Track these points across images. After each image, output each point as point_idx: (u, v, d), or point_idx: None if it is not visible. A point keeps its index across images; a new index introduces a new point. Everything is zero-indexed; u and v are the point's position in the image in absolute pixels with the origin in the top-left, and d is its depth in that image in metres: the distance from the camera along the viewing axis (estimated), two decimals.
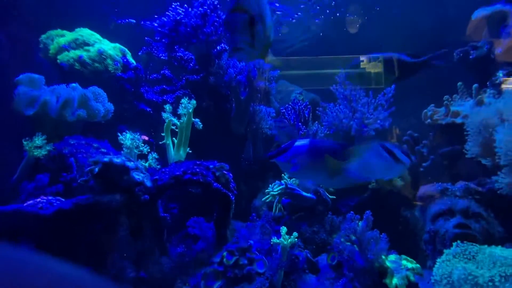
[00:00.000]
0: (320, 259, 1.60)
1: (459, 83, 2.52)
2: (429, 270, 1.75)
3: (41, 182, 1.42)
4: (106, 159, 1.28)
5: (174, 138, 1.96)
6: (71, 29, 2.54)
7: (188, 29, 2.24)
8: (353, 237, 1.30)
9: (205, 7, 2.27)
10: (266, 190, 1.96)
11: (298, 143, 1.19)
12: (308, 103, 2.91)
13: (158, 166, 1.78)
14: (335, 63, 4.71)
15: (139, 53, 2.93)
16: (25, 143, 1.50)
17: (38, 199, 1.32)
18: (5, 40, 2.24)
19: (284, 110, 2.84)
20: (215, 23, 2.32)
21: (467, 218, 1.58)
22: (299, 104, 2.84)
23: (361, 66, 4.99)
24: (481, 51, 2.44)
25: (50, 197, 1.35)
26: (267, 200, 1.93)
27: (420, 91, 3.51)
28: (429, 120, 2.56)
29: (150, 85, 2.81)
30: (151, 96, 2.68)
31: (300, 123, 2.69)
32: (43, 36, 2.28)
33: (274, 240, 1.42)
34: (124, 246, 1.32)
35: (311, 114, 2.96)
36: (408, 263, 1.28)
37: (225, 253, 1.33)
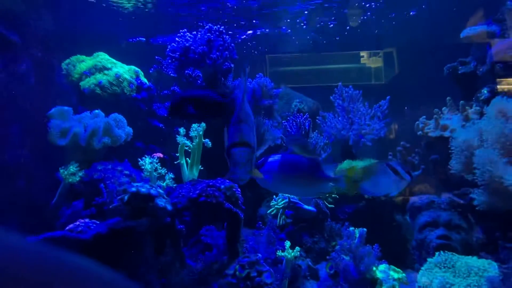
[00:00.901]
0: (320, 267, 1.82)
1: (448, 98, 2.69)
2: (417, 272, 1.98)
3: (77, 208, 1.65)
4: (133, 189, 1.50)
5: (187, 158, 2.18)
6: (88, 50, 2.74)
7: (196, 56, 2.43)
8: (348, 252, 1.51)
9: (209, 34, 2.45)
10: (271, 203, 2.18)
11: (272, 158, 1.23)
12: (308, 115, 3.09)
13: (174, 185, 2.00)
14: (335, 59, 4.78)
15: (150, 71, 3.13)
16: (61, 171, 1.73)
17: (77, 223, 1.55)
18: (30, 65, 2.45)
19: (286, 123, 3.03)
20: (220, 48, 2.50)
21: (449, 229, 1.79)
22: (300, 117, 3.03)
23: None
24: (468, 68, 2.59)
25: (86, 220, 1.58)
26: (272, 213, 2.15)
27: (419, 92, 3.65)
28: (420, 132, 2.74)
29: (161, 101, 3.02)
30: (163, 112, 2.89)
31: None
32: (65, 62, 2.48)
33: (280, 253, 1.65)
34: (150, 261, 1.55)
35: (311, 125, 3.15)
36: (395, 273, 1.50)
37: (237, 267, 1.55)
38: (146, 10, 3.16)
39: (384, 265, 1.62)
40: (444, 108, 2.63)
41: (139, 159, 1.86)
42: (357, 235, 1.69)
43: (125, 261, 1.50)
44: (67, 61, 2.47)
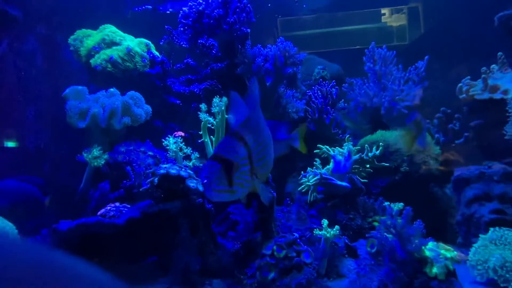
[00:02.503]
0: (357, 245, 1.74)
1: (499, 53, 2.36)
2: (458, 247, 1.88)
3: (104, 190, 1.59)
4: (163, 171, 1.41)
5: (211, 136, 2.05)
6: (92, 23, 2.53)
7: (212, 21, 2.18)
8: (393, 231, 1.40)
9: None
10: (302, 180, 2.07)
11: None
12: (334, 83, 2.84)
13: (201, 164, 1.90)
14: (353, 19, 4.35)
15: (161, 43, 2.90)
16: (85, 155, 1.65)
17: (108, 207, 1.49)
18: (36, 43, 2.30)
19: (310, 93, 2.81)
20: (237, 10, 2.23)
21: (504, 203, 1.63)
22: (326, 85, 2.79)
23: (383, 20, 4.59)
24: None
25: (117, 204, 1.52)
26: (303, 190, 2.04)
27: (451, 52, 3.29)
28: (464, 95, 2.47)
29: (175, 76, 2.84)
30: (178, 88, 2.72)
31: (328, 107, 2.68)
32: (71, 37, 2.30)
33: (317, 231, 1.56)
34: (186, 243, 1.50)
35: (338, 94, 2.90)
36: (447, 252, 1.38)
37: (275, 247, 1.49)
38: None
39: (432, 243, 1.50)
40: (494, 66, 2.32)
41: (163, 139, 1.75)
42: (394, 211, 1.57)
43: (161, 244, 1.46)
44: (74, 36, 2.29)
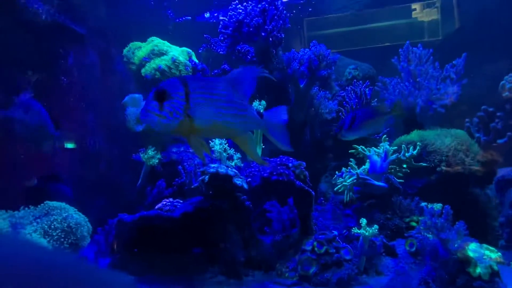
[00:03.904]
0: (396, 244, 1.77)
1: None
2: (502, 249, 1.82)
3: (161, 187, 1.79)
4: (213, 170, 1.56)
5: None
6: (140, 36, 2.80)
7: (251, 29, 2.31)
8: (435, 231, 1.43)
9: (263, 3, 2.30)
10: (338, 181, 2.12)
11: None
12: (369, 82, 2.84)
13: (242, 164, 2.04)
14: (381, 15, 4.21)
15: (199, 51, 3.11)
16: (141, 155, 1.87)
17: (164, 202, 1.68)
18: (95, 56, 2.60)
19: (343, 93, 2.84)
20: (275, 17, 2.34)
21: None
22: (359, 85, 2.80)
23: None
24: None
25: (171, 199, 1.71)
26: (339, 190, 2.10)
27: (489, 47, 3.11)
28: (506, 93, 2.36)
29: None
30: None
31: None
32: (125, 49, 2.58)
33: (356, 230, 1.62)
34: (233, 236, 1.64)
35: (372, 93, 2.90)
36: (491, 253, 1.38)
37: (315, 243, 1.58)
38: None
39: (475, 244, 1.50)
40: None
41: (210, 141, 1.92)
42: (434, 211, 1.57)
43: (211, 236, 1.62)
44: (127, 48, 2.56)
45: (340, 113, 2.79)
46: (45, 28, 1.93)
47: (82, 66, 2.36)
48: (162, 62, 2.38)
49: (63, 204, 1.84)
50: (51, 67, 2.11)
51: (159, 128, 0.85)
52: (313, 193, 1.82)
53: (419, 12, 4.55)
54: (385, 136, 2.28)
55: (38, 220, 1.65)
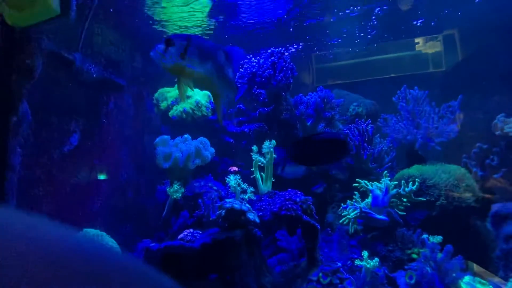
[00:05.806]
0: (397, 275, 1.91)
1: None
2: (500, 280, 1.91)
3: (185, 217, 2.06)
4: (229, 206, 1.82)
5: (262, 173, 2.45)
6: (167, 81, 3.25)
7: (263, 79, 2.68)
8: (433, 264, 1.59)
9: (272, 57, 2.68)
10: (342, 213, 2.32)
11: None
12: (370, 121, 3.09)
13: (254, 198, 2.29)
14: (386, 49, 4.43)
15: None
16: (167, 189, 2.17)
17: (185, 233, 1.94)
18: (130, 99, 3.04)
19: (347, 131, 3.10)
20: (284, 68, 2.71)
21: None
22: (362, 123, 3.06)
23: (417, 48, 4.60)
24: None
25: (191, 230, 1.97)
26: (344, 223, 2.29)
27: (490, 80, 3.26)
28: (498, 132, 2.53)
29: (229, 118, 3.40)
30: (232, 129, 3.25)
31: (365, 143, 2.93)
32: (156, 94, 3.02)
33: (358, 262, 1.80)
34: (246, 265, 1.86)
35: (374, 131, 3.13)
36: (483, 286, 1.53)
37: (320, 274, 1.76)
38: (206, 34, 3.54)
39: (469, 277, 1.64)
40: None
41: (226, 177, 2.20)
42: (435, 246, 1.73)
43: (227, 265, 1.84)
44: (157, 93, 3.00)
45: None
46: (94, 83, 2.37)
47: (119, 109, 2.78)
48: (187, 105, 2.77)
49: (99, 232, 2.14)
50: (96, 112, 2.53)
51: (159, 64, 1.10)
52: (318, 226, 2.03)
53: (422, 46, 4.76)
54: (386, 172, 2.48)
55: None
